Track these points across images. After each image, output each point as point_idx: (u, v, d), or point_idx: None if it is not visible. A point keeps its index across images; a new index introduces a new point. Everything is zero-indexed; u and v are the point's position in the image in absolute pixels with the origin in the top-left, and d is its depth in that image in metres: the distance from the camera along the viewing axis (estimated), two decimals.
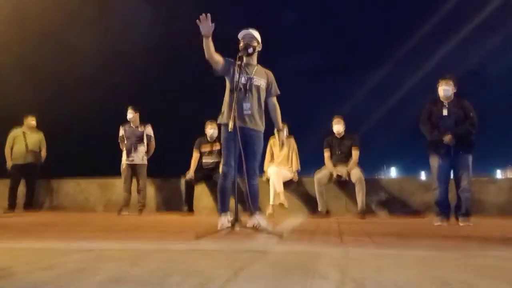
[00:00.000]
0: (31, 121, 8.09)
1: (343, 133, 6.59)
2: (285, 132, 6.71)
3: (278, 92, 4.06)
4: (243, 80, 3.74)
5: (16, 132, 7.99)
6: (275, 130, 4.17)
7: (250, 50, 3.76)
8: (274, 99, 4.06)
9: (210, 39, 3.52)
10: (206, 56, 3.63)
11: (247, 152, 3.63)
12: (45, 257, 2.12)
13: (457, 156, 4.95)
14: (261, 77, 3.92)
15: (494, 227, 4.46)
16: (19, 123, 8.09)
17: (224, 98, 3.88)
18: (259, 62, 3.99)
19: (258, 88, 3.87)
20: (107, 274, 1.66)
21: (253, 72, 3.86)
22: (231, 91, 3.78)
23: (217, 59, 3.71)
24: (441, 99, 5.08)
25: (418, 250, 2.48)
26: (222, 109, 3.88)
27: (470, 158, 4.99)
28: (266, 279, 1.56)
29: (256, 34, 3.85)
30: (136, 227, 4.28)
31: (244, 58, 3.81)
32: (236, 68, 3.74)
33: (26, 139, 7.96)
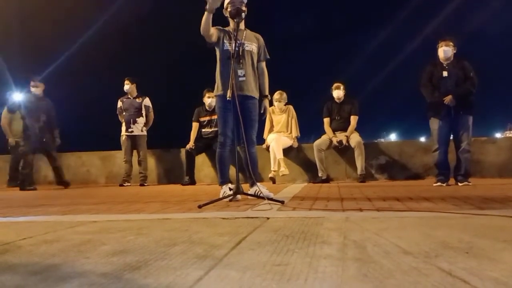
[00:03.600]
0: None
1: (343, 98, 6.57)
2: (284, 99, 6.68)
3: (268, 56, 3.97)
4: (234, 46, 3.65)
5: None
6: (266, 97, 4.00)
7: (243, 14, 3.65)
8: (263, 64, 3.96)
9: (211, 14, 3.43)
10: (202, 31, 3.53)
11: (245, 120, 3.61)
12: (50, 230, 2.14)
13: (458, 117, 4.94)
14: (252, 42, 3.84)
15: (493, 187, 4.50)
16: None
17: (216, 69, 3.82)
18: (247, 26, 3.89)
19: (250, 53, 3.80)
20: (113, 245, 1.68)
21: (243, 37, 3.78)
22: (223, 60, 3.73)
23: (212, 32, 3.62)
24: (441, 60, 5.03)
25: (417, 211, 2.51)
26: (216, 80, 3.83)
27: (470, 119, 4.99)
28: (269, 245, 1.58)
29: None
30: (138, 198, 4.32)
31: (233, 24, 3.72)
32: (232, 35, 3.67)
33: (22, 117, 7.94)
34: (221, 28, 3.80)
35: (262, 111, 3.94)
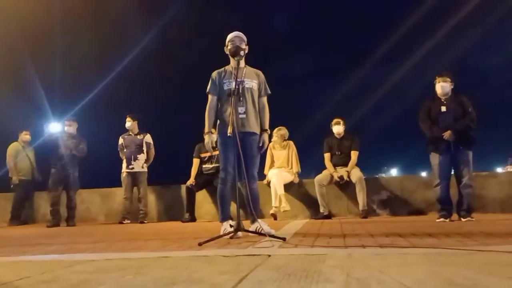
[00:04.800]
0: (26, 135, 8.10)
1: (343, 134, 6.60)
2: (284, 135, 6.71)
3: (269, 92, 4.03)
4: (234, 84, 3.72)
5: (16, 147, 7.99)
6: (265, 131, 4.01)
7: (242, 53, 3.75)
8: (264, 99, 4.02)
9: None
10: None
11: (246, 156, 3.62)
12: (48, 270, 2.11)
13: (458, 152, 4.95)
14: (252, 79, 3.91)
15: (496, 222, 4.45)
16: (13, 137, 8.10)
17: (219, 109, 3.92)
18: (248, 63, 3.98)
19: (250, 90, 3.87)
20: (111, 285, 1.65)
21: (243, 75, 3.86)
22: (223, 98, 3.82)
23: (216, 102, 3.91)
24: (439, 95, 5.09)
25: (421, 248, 2.47)
26: (216, 120, 3.91)
27: (470, 154, 4.99)
28: (271, 283, 1.55)
29: (243, 36, 3.85)
30: (138, 236, 4.27)
31: (233, 62, 3.82)
32: (232, 73, 3.76)
33: (28, 154, 8.00)
34: (220, 72, 3.91)
35: (260, 145, 3.95)
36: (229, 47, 3.79)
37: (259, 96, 3.97)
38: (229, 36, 3.84)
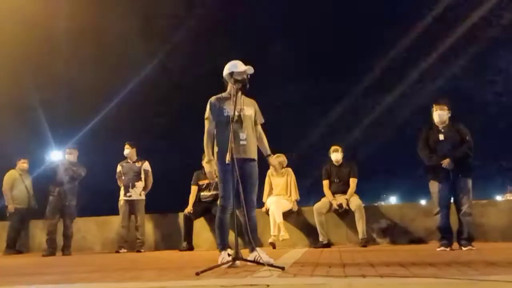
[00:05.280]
0: (23, 163, 8.09)
1: (341, 161, 6.61)
2: (284, 162, 6.72)
3: (263, 120, 4.07)
4: (234, 111, 3.73)
5: (13, 175, 7.96)
6: (269, 156, 4.13)
7: (247, 86, 3.79)
8: (259, 127, 4.06)
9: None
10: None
11: (245, 184, 3.61)
12: None
13: (457, 180, 4.94)
14: (250, 107, 3.94)
15: (497, 251, 4.40)
16: (11, 165, 8.08)
17: (215, 136, 3.89)
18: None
19: (249, 117, 3.90)
20: None
21: (242, 103, 3.89)
22: (223, 125, 3.79)
23: (214, 129, 3.88)
24: (436, 124, 5.12)
25: (423, 278, 2.43)
26: (215, 147, 3.88)
27: (469, 182, 4.98)
28: None
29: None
30: (134, 265, 4.20)
31: (232, 89, 3.85)
32: (232, 101, 3.78)
33: (25, 182, 7.97)
34: (219, 98, 3.90)
35: (273, 168, 4.06)
36: (238, 78, 3.79)
37: (255, 125, 4.01)
38: (235, 65, 3.85)
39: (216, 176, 3.81)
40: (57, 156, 7.27)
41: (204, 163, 4.09)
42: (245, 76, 3.79)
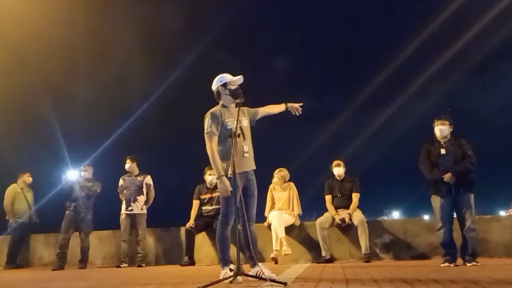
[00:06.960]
0: (28, 177, 8.10)
1: (343, 176, 6.59)
2: (286, 177, 6.70)
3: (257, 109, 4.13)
4: (234, 124, 3.73)
5: (15, 189, 7.96)
6: (284, 106, 4.18)
7: (242, 96, 3.82)
8: (257, 109, 4.10)
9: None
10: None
11: (248, 198, 3.60)
12: None
13: (459, 194, 4.92)
14: (245, 117, 3.96)
15: (502, 268, 4.36)
16: (13, 179, 8.08)
17: (219, 151, 3.82)
18: (247, 103, 4.04)
19: (247, 128, 3.91)
20: None
21: (240, 114, 3.90)
22: (223, 139, 3.78)
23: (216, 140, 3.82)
24: (438, 138, 5.13)
25: None
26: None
27: (472, 197, 4.96)
28: None
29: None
30: (135, 280, 4.17)
31: (229, 102, 3.88)
32: (232, 113, 3.80)
33: (26, 196, 7.96)
34: (219, 111, 3.87)
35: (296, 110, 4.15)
36: (232, 88, 3.83)
37: (256, 116, 4.05)
38: (224, 77, 3.89)
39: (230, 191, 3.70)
40: (73, 175, 7.34)
41: (215, 178, 4.07)
42: (238, 85, 3.83)
